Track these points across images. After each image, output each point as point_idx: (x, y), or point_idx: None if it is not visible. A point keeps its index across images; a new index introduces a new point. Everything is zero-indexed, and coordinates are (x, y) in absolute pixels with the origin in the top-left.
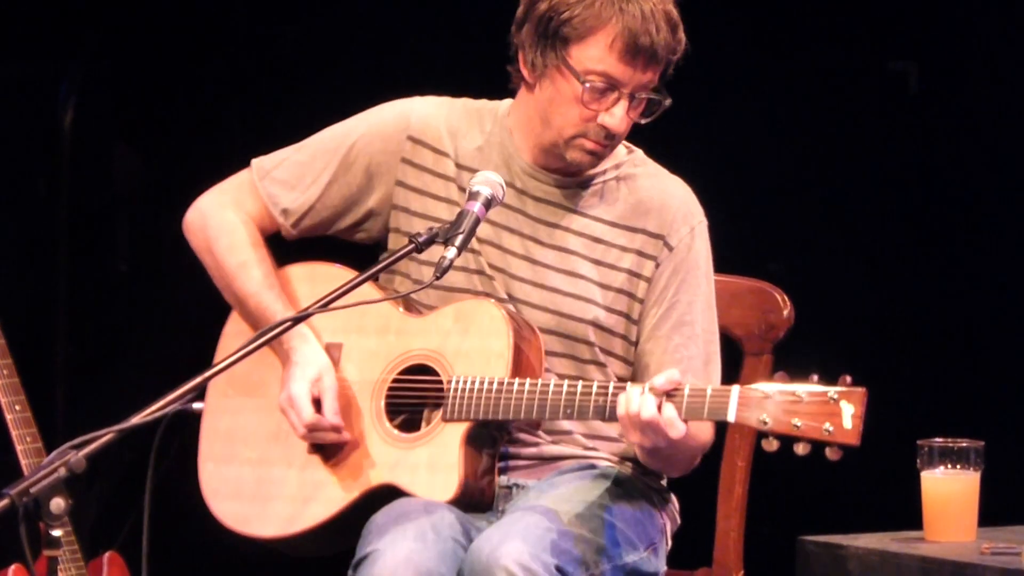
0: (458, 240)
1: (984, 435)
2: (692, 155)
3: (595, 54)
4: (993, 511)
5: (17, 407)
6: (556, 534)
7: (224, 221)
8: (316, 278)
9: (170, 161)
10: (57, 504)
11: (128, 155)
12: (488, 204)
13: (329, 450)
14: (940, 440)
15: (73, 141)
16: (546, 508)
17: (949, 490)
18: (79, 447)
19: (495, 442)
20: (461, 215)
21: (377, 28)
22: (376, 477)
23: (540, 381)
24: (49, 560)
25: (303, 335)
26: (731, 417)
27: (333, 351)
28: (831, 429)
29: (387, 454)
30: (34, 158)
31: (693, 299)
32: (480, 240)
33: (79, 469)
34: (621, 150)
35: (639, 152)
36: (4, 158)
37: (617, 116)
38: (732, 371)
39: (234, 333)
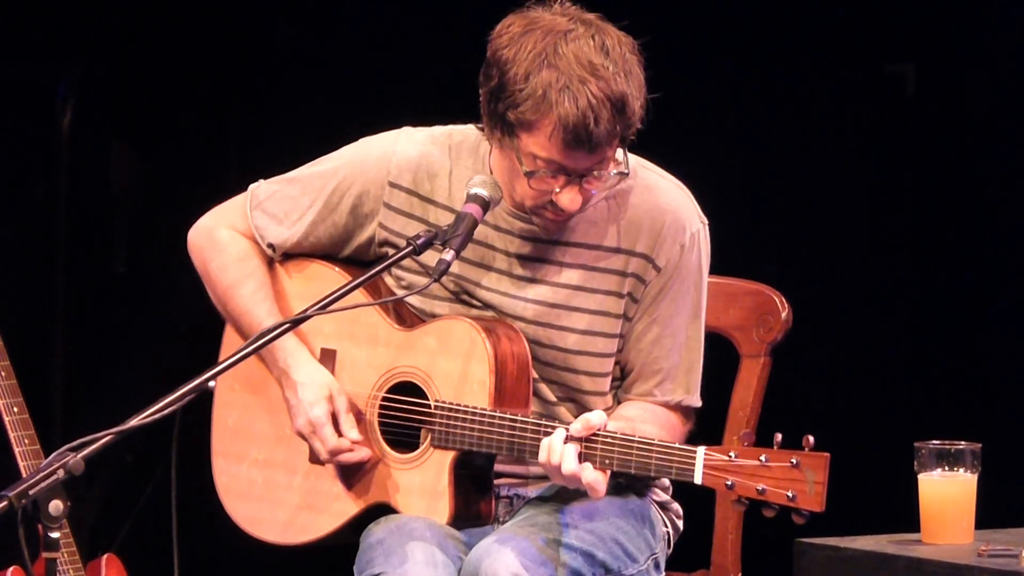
0: (456, 243)
1: (982, 437)
2: (689, 157)
3: (539, 142)
4: (990, 514)
5: (15, 409)
6: (553, 546)
7: (216, 241)
8: (311, 277)
9: (168, 163)
10: (56, 506)
11: (126, 157)
12: (485, 206)
13: None
14: (937, 442)
15: (71, 143)
16: (545, 522)
17: (946, 492)
18: (77, 449)
19: (488, 463)
20: (459, 218)
21: (375, 28)
22: (372, 495)
23: (519, 418)
24: (47, 562)
25: (294, 351)
26: (697, 479)
27: (327, 359)
28: (794, 496)
29: (383, 472)
30: (32, 160)
31: (678, 310)
32: (470, 281)
33: (77, 471)
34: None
35: (632, 160)
36: (2, 160)
37: (567, 199)
38: (729, 374)
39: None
